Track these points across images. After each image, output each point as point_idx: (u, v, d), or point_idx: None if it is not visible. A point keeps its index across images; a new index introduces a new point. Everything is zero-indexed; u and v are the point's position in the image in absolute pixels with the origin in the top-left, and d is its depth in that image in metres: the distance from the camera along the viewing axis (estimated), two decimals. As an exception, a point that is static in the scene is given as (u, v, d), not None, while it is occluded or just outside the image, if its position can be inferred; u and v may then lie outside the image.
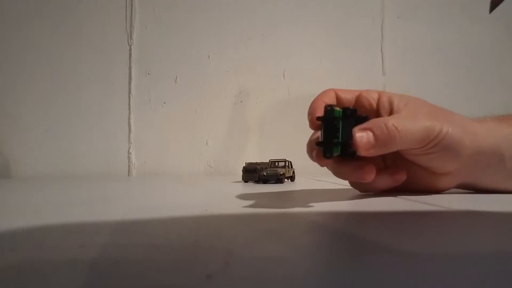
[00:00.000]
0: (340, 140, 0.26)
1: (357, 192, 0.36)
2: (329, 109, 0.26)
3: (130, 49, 0.86)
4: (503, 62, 0.95)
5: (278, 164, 0.55)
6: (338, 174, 0.31)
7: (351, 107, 0.27)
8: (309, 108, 0.30)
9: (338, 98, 0.32)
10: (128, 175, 0.85)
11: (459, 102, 0.91)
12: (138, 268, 0.12)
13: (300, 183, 0.52)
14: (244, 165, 0.56)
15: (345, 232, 0.19)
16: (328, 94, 0.32)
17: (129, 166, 0.85)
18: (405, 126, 0.28)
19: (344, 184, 0.48)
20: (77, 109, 0.84)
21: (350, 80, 0.89)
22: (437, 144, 0.29)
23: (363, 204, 0.28)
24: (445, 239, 0.17)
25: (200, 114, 0.87)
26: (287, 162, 0.55)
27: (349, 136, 0.26)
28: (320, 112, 0.28)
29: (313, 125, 0.29)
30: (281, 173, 0.51)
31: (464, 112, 0.33)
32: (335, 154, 0.26)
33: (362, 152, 0.27)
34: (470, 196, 0.33)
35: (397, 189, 0.34)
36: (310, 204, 0.28)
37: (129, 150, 0.85)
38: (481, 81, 0.94)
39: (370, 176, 0.28)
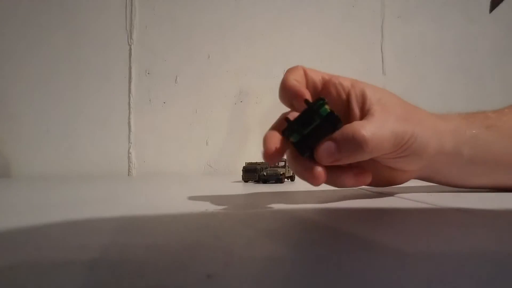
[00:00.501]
0: (305, 133, 0.25)
1: (357, 192, 0.36)
2: (321, 102, 0.25)
3: (130, 49, 0.86)
4: (503, 62, 0.95)
5: (278, 164, 0.55)
6: (290, 164, 0.29)
7: (339, 118, 0.25)
8: (282, 84, 0.29)
9: (306, 77, 0.31)
10: (128, 175, 0.85)
11: (459, 102, 0.91)
12: (138, 268, 0.12)
13: (300, 183, 0.52)
14: (244, 165, 0.56)
15: (346, 232, 0.19)
16: (297, 71, 0.30)
17: (129, 166, 0.85)
18: (376, 133, 0.26)
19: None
20: (77, 109, 0.84)
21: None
22: (406, 149, 0.28)
23: (363, 204, 0.28)
24: (444, 239, 0.17)
25: (200, 114, 0.87)
26: (287, 162, 0.55)
27: (314, 140, 0.25)
28: (297, 93, 0.27)
29: (286, 102, 0.29)
30: (281, 173, 0.51)
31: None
32: (291, 139, 0.25)
33: (322, 163, 0.26)
34: (458, 194, 0.33)
35: None
36: (310, 204, 0.28)
37: (129, 150, 0.85)
38: (481, 81, 0.94)
39: (319, 180, 0.26)
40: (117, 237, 0.18)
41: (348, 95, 0.30)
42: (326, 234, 0.19)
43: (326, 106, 0.25)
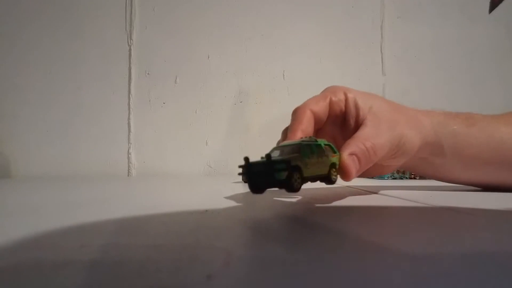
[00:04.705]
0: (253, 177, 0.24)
1: (358, 191, 0.36)
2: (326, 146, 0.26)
3: (130, 49, 0.86)
4: (503, 62, 0.95)
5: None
6: None
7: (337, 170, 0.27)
8: (292, 126, 0.31)
9: (314, 115, 0.32)
10: (128, 175, 0.85)
11: (459, 102, 0.91)
12: (138, 268, 0.12)
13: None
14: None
15: (346, 233, 0.19)
16: (306, 116, 0.32)
17: (129, 166, 0.85)
18: (377, 142, 0.29)
19: (344, 183, 0.48)
20: (77, 109, 0.84)
21: (350, 80, 0.89)
22: (397, 151, 0.31)
23: (363, 204, 0.28)
24: (442, 238, 0.17)
25: (200, 114, 0.87)
26: None
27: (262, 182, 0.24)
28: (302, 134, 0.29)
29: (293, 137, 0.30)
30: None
31: (464, 112, 0.33)
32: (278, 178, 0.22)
33: (347, 180, 0.28)
34: (456, 193, 0.33)
35: None
36: (310, 204, 0.28)
37: (129, 150, 0.85)
38: (481, 81, 0.94)
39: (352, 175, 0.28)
40: (117, 237, 0.18)
41: (345, 108, 0.33)
42: (326, 234, 0.19)
43: (324, 142, 0.27)
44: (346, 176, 0.27)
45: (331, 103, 0.33)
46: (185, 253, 0.14)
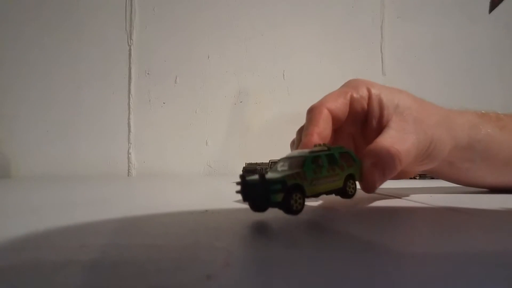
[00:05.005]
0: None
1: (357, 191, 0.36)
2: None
3: (130, 49, 0.86)
4: (502, 62, 0.95)
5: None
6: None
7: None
8: (309, 129, 0.27)
9: (332, 116, 0.29)
10: (128, 175, 0.85)
11: (459, 102, 0.91)
12: (138, 268, 0.12)
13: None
14: (244, 165, 0.56)
15: (346, 232, 0.19)
16: (323, 117, 0.28)
17: (129, 166, 0.85)
18: (403, 149, 0.26)
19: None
20: (77, 109, 0.84)
21: (350, 80, 0.89)
22: (425, 157, 0.28)
23: (363, 204, 0.28)
24: (442, 238, 0.17)
25: (200, 114, 0.87)
26: None
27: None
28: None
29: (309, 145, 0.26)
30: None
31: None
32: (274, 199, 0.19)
33: (370, 192, 0.25)
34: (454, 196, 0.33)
35: None
36: (310, 204, 0.28)
37: (128, 150, 0.85)
38: (481, 81, 0.94)
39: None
40: (117, 238, 0.18)
41: (368, 105, 0.29)
42: (326, 234, 0.19)
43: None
44: (369, 189, 0.25)
45: (352, 101, 0.29)
46: (185, 253, 0.14)
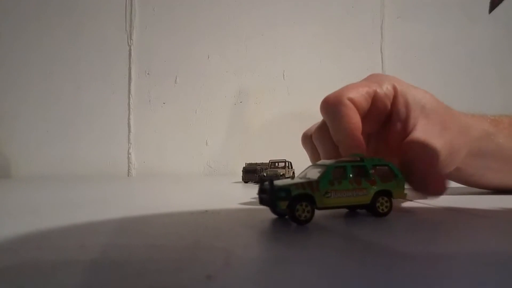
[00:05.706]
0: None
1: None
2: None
3: (130, 49, 0.86)
4: (502, 62, 0.95)
5: (278, 164, 0.55)
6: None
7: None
8: (347, 126, 0.25)
9: (357, 108, 0.26)
10: (128, 175, 0.85)
11: (459, 102, 0.91)
12: (138, 268, 0.12)
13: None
14: (244, 165, 0.56)
15: (346, 233, 0.19)
16: (351, 112, 0.25)
17: (128, 166, 0.85)
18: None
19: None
20: (77, 109, 0.84)
21: (350, 80, 0.88)
22: (445, 165, 0.28)
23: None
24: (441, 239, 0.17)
25: (200, 114, 0.87)
26: (287, 163, 0.55)
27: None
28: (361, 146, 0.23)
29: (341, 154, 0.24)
30: (281, 173, 0.51)
31: (464, 112, 0.33)
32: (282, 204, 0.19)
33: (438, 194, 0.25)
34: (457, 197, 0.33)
35: None
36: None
37: (128, 150, 0.85)
38: (481, 81, 0.94)
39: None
40: (117, 238, 0.18)
41: (392, 105, 0.27)
42: (326, 234, 0.19)
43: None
44: (436, 194, 0.25)
45: (375, 97, 0.27)
46: (185, 253, 0.14)
